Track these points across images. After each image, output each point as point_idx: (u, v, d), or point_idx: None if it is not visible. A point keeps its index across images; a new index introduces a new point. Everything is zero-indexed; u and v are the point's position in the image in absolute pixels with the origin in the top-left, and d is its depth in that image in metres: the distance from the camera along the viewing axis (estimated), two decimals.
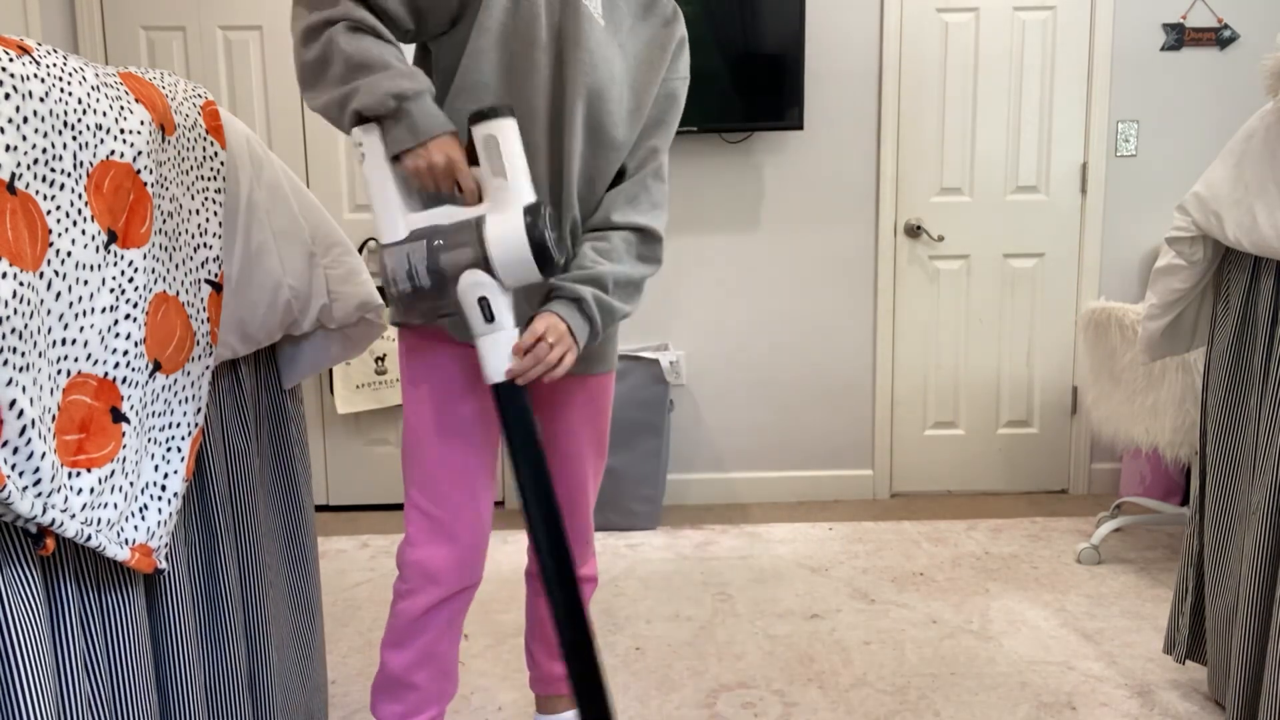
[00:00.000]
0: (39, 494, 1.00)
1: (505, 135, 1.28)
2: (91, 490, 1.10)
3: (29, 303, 1.01)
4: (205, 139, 1.41)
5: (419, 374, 1.46)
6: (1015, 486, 3.66)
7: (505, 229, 1.26)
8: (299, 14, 1.33)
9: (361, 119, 1.29)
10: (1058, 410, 3.62)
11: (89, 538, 1.08)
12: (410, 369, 1.47)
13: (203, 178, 1.40)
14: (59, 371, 1.08)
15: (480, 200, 1.32)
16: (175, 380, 1.30)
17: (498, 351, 1.29)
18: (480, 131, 1.28)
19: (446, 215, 1.30)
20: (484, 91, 1.39)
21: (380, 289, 2.78)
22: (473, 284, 1.27)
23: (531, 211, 1.27)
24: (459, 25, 1.39)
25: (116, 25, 3.36)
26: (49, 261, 1.06)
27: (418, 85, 1.29)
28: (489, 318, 1.28)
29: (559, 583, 1.31)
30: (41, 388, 1.03)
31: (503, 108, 1.29)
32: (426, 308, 1.30)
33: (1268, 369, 1.76)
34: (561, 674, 1.72)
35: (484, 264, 1.27)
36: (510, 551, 3.07)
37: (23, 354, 0.98)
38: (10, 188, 1.01)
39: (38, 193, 1.05)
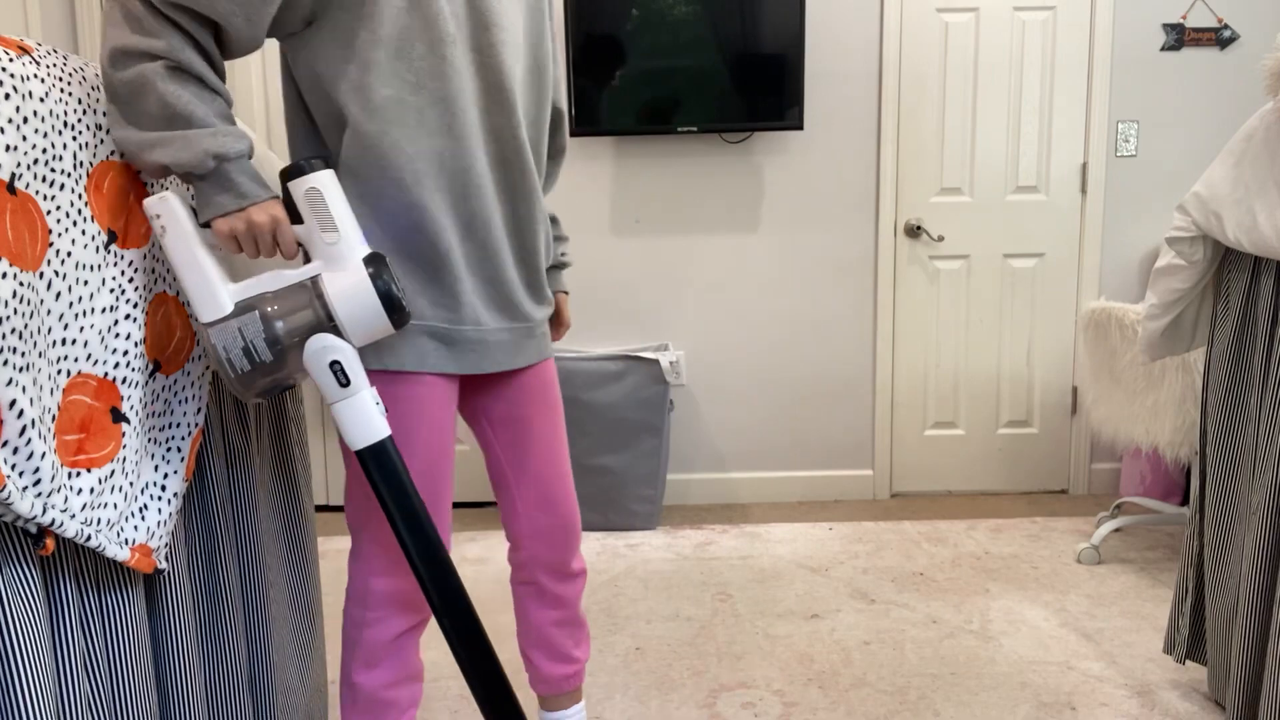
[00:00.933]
0: (39, 494, 1.00)
1: (327, 187, 1.21)
2: (91, 490, 1.10)
3: (29, 303, 1.01)
4: None
5: (391, 416, 1.39)
6: (1015, 486, 3.66)
7: (348, 284, 1.19)
8: (115, 24, 1.17)
9: (167, 172, 1.19)
10: (1058, 410, 3.62)
11: (89, 538, 1.08)
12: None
13: None
14: (59, 371, 1.08)
15: (304, 260, 1.24)
16: (175, 380, 1.30)
17: (359, 414, 1.22)
18: (300, 187, 1.20)
19: (272, 280, 1.20)
20: (404, 109, 1.28)
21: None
22: (321, 349, 1.19)
23: (373, 261, 1.21)
24: (321, 29, 1.27)
25: None
26: (49, 261, 1.06)
27: (241, 145, 1.20)
28: (344, 381, 1.20)
29: (460, 640, 1.31)
30: (41, 388, 1.03)
31: (316, 160, 1.21)
32: (267, 384, 1.21)
33: (1268, 369, 1.76)
34: (562, 674, 1.72)
35: (329, 325, 1.20)
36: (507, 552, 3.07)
37: (23, 354, 0.98)
38: (10, 188, 1.01)
39: (38, 193, 1.05)
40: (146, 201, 1.19)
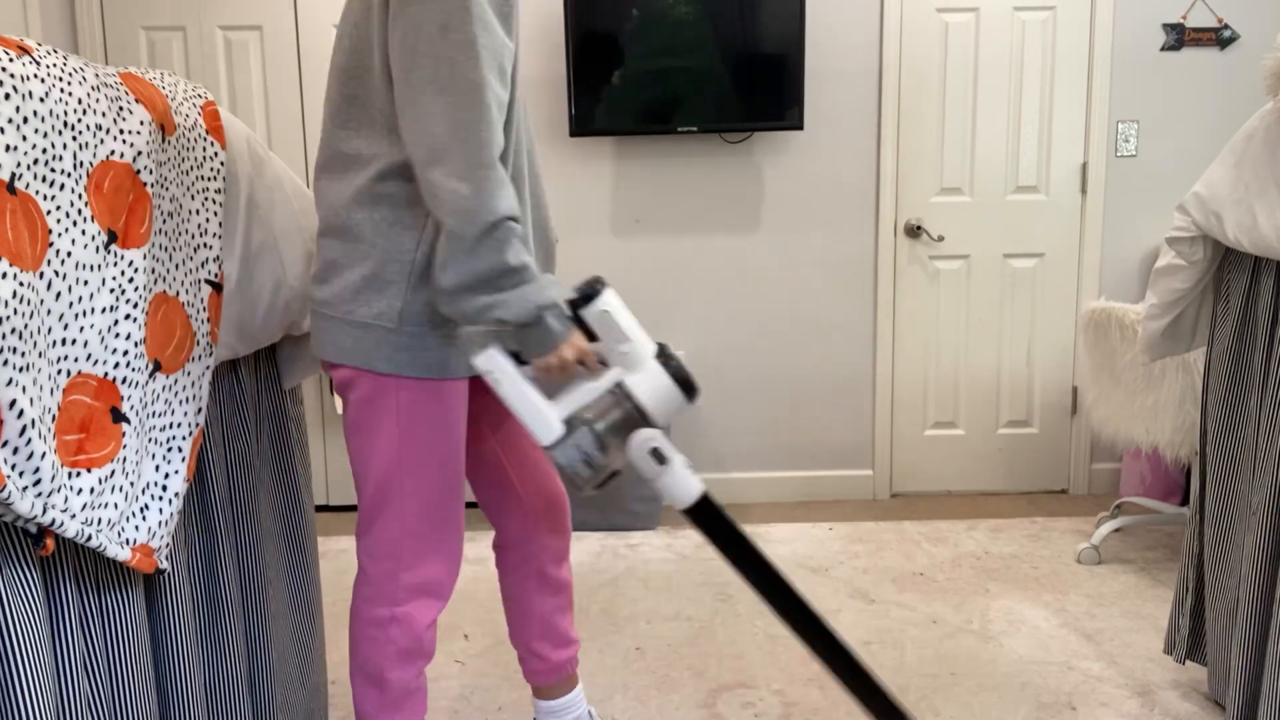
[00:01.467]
0: (39, 494, 1.00)
1: (612, 304, 1.36)
2: (92, 490, 1.10)
3: (29, 303, 1.01)
4: (205, 139, 1.41)
5: (420, 419, 1.42)
6: (1015, 486, 3.66)
7: (651, 383, 1.35)
8: (499, 186, 1.29)
9: (500, 324, 1.33)
10: (1058, 410, 3.62)
11: (89, 538, 1.08)
12: (407, 416, 1.43)
13: (203, 178, 1.40)
14: (59, 371, 1.08)
15: (602, 368, 1.39)
16: (175, 380, 1.30)
17: (679, 480, 1.36)
18: (592, 312, 1.36)
19: (585, 394, 1.37)
20: (523, 139, 1.47)
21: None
22: (642, 441, 1.34)
23: (663, 356, 1.36)
24: None
25: (116, 25, 3.36)
26: (49, 261, 1.06)
27: (555, 293, 1.34)
28: (662, 460, 1.34)
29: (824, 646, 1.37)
30: (41, 388, 1.03)
31: (597, 281, 1.36)
32: (603, 477, 1.38)
33: (1268, 369, 1.76)
34: (566, 657, 1.74)
35: (641, 420, 1.35)
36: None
37: (23, 354, 0.98)
38: (10, 188, 1.01)
39: (38, 193, 1.05)
40: (477, 362, 1.36)
